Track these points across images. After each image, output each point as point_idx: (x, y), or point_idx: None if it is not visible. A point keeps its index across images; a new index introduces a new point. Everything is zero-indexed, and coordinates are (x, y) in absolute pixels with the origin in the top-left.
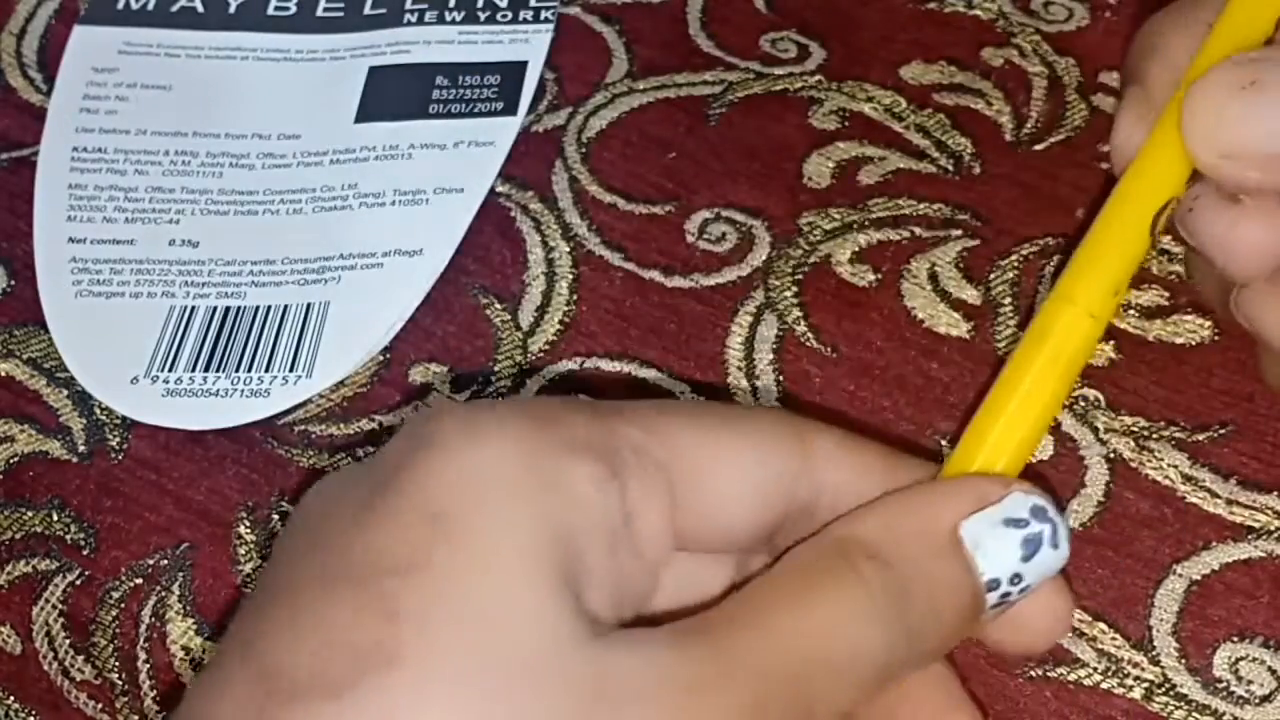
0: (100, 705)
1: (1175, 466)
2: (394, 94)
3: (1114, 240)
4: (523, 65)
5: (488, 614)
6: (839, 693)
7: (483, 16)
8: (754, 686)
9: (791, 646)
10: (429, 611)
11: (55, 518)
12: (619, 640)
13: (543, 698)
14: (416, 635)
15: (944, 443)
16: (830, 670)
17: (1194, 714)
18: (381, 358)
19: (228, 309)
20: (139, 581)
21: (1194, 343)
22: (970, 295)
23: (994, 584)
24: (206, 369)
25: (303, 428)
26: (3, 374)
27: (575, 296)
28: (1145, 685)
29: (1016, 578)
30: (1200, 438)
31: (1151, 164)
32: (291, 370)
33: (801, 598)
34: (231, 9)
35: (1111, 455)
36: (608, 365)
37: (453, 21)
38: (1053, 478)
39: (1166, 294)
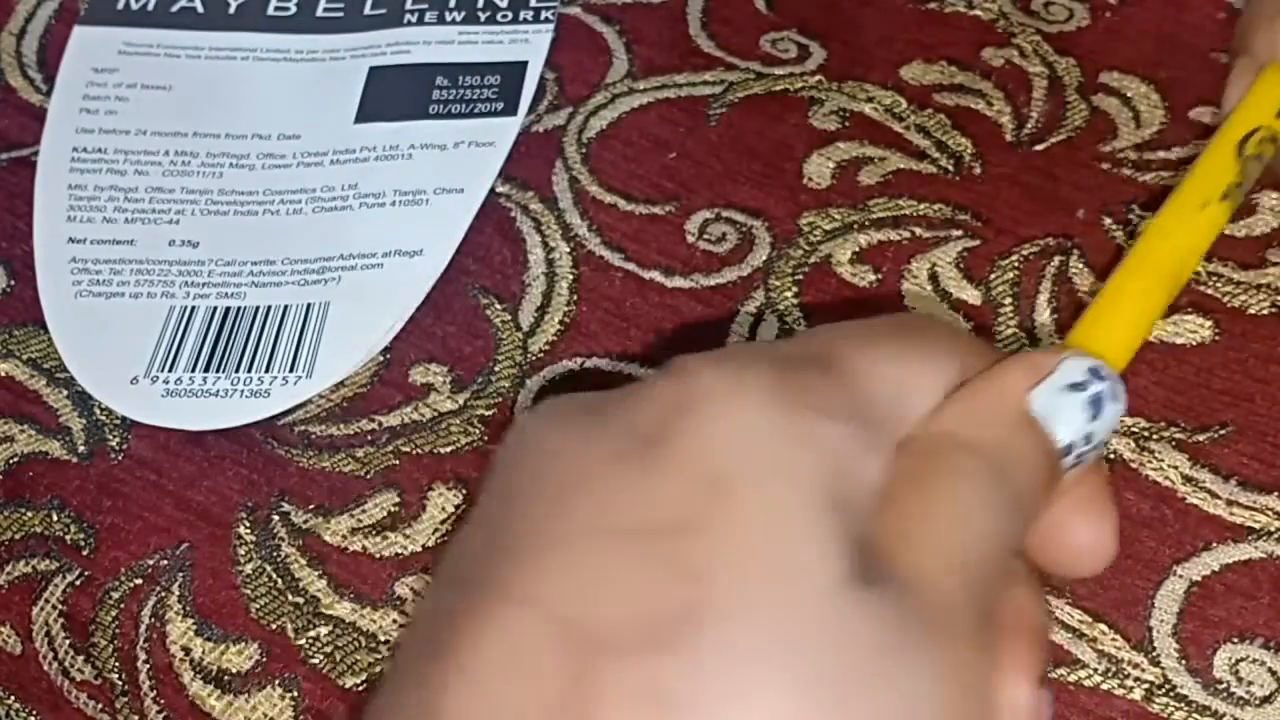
0: (100, 705)
1: (1175, 467)
2: (394, 94)
3: (1206, 162)
4: (523, 65)
5: (783, 575)
6: (991, 583)
7: (483, 17)
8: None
9: (942, 562)
10: (728, 573)
11: (55, 518)
12: (876, 592)
13: (841, 656)
14: (724, 596)
15: None
16: (974, 565)
17: (1194, 715)
18: (381, 358)
19: (228, 309)
20: (139, 582)
21: (1194, 343)
22: (971, 295)
23: (1068, 448)
24: (206, 369)
25: (303, 428)
26: (2, 374)
27: (575, 297)
28: (1145, 686)
29: (1088, 437)
30: (1200, 438)
31: (1243, 101)
32: (291, 370)
33: (928, 510)
34: (231, 9)
35: (1111, 456)
36: (608, 365)
37: (453, 22)
38: None
39: None
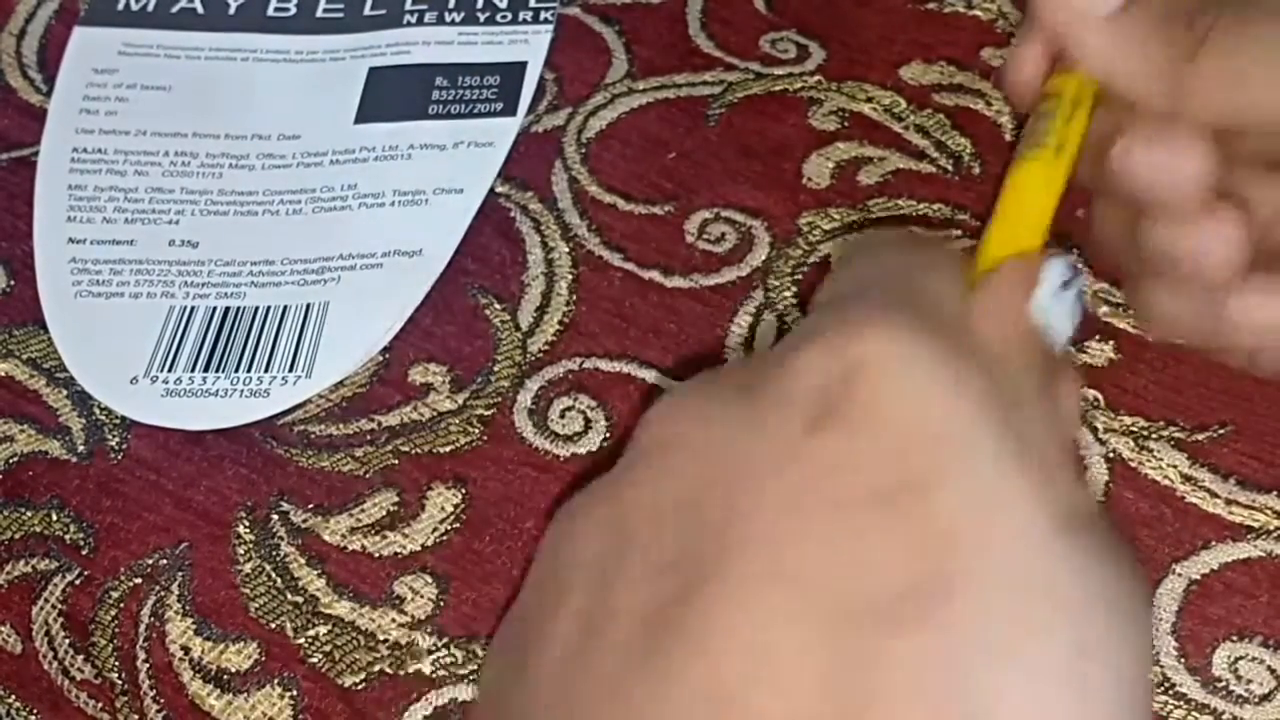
0: (100, 704)
1: (1174, 466)
2: (394, 95)
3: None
4: (522, 66)
5: (1013, 530)
6: None
7: (482, 17)
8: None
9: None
10: (969, 533)
11: (55, 517)
12: (1080, 536)
13: (1070, 611)
14: (971, 558)
15: None
16: None
17: (1193, 713)
18: (381, 358)
19: (227, 309)
20: (138, 581)
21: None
22: None
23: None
24: (206, 369)
25: (302, 428)
26: (2, 374)
27: (575, 297)
28: None
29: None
30: (1199, 437)
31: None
32: (291, 370)
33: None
34: (231, 10)
35: (1111, 455)
36: (607, 365)
37: (452, 22)
38: None
39: None
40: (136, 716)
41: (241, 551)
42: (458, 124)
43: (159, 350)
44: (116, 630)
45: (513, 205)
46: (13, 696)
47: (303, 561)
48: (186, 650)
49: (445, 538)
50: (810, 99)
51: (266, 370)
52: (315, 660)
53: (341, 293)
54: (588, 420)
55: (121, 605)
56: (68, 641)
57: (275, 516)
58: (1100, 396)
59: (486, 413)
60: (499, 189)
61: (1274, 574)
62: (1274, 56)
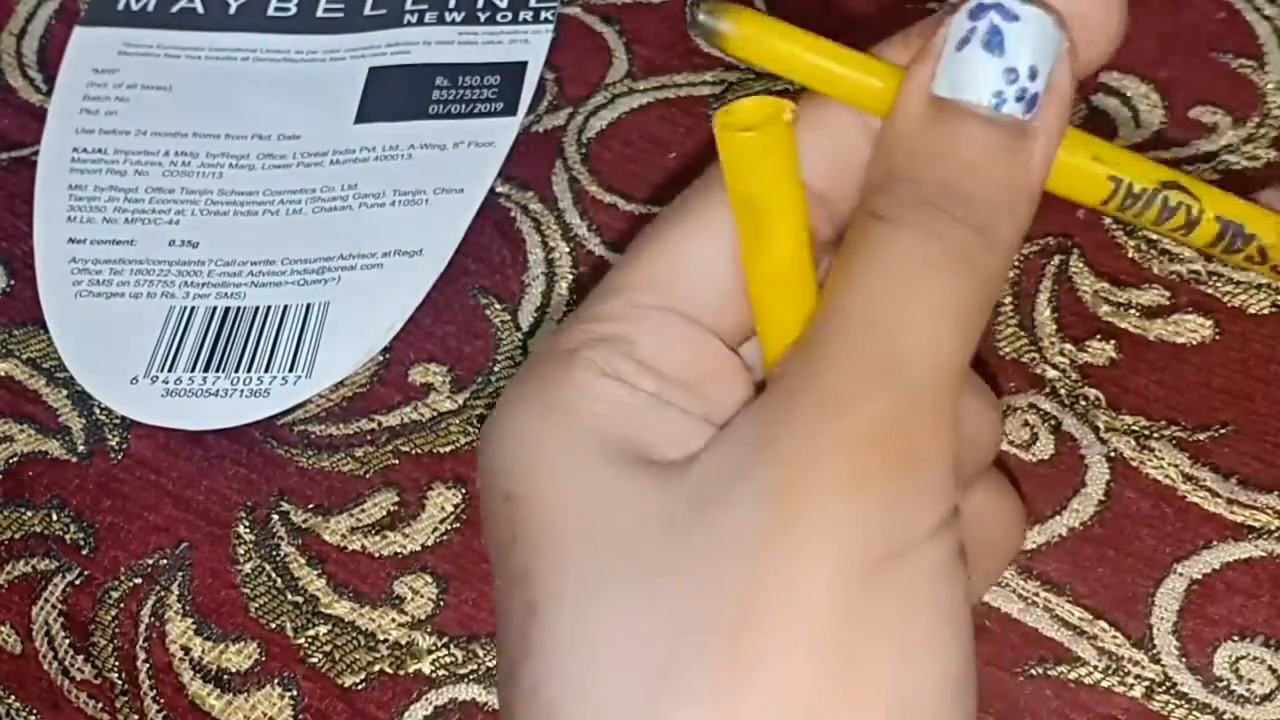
0: (100, 704)
1: (1176, 466)
2: (394, 94)
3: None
4: (523, 65)
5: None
6: (946, 360)
7: (483, 17)
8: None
9: (870, 349)
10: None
11: (55, 517)
12: (701, 455)
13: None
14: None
15: None
16: (923, 336)
17: (1194, 713)
18: (381, 358)
19: (227, 309)
20: (138, 581)
21: (1194, 342)
22: None
23: (998, 98)
24: (206, 369)
25: (302, 427)
26: (2, 374)
27: (575, 297)
28: (1146, 684)
29: (1012, 72)
30: (1201, 437)
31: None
32: (291, 370)
33: (880, 292)
34: (231, 10)
35: (1112, 454)
36: None
37: (453, 22)
38: (1053, 476)
39: (1167, 294)
40: (136, 717)
41: (241, 551)
42: (458, 124)
43: (159, 350)
44: (116, 630)
45: (513, 205)
46: (12, 697)
47: (303, 561)
48: (187, 650)
49: (445, 538)
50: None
51: (267, 370)
52: (315, 660)
53: (342, 293)
54: None
55: (121, 605)
56: (68, 641)
57: (275, 516)
58: (1101, 396)
59: (487, 413)
60: (499, 189)
61: (1275, 574)
62: None
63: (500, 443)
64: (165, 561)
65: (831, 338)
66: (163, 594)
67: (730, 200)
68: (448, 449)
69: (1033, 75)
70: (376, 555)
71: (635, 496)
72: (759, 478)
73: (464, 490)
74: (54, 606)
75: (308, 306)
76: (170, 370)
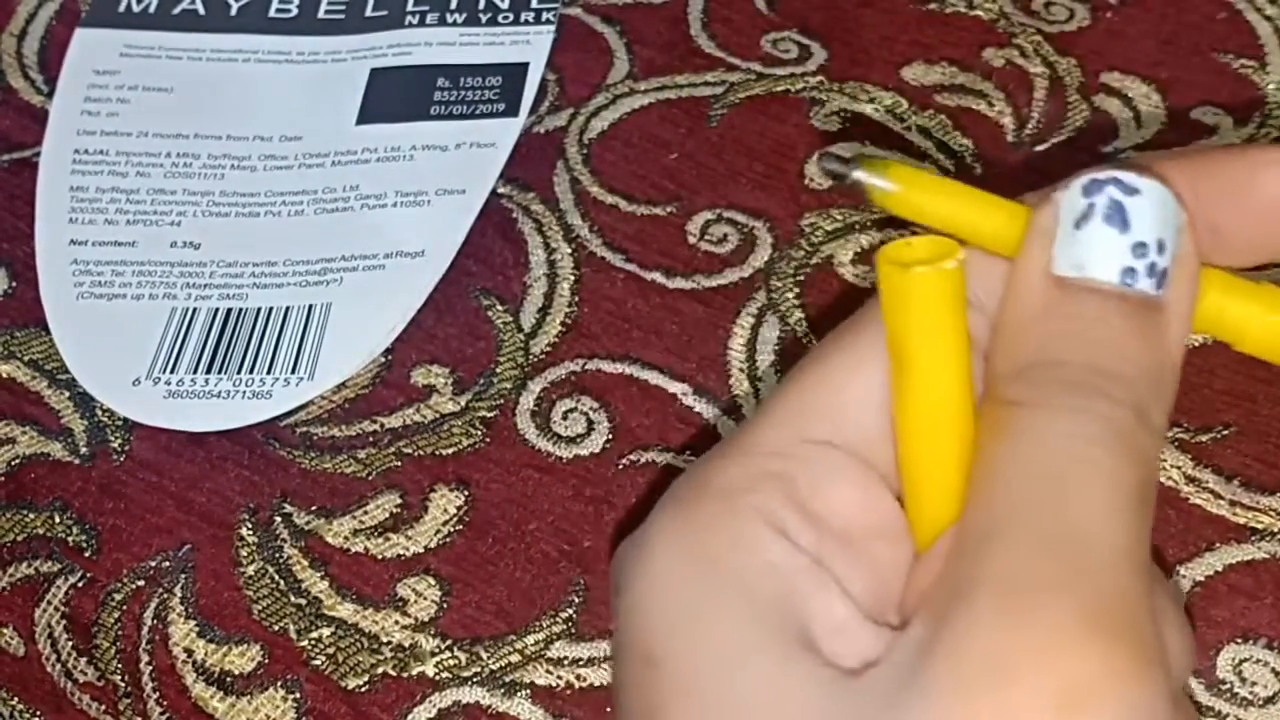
0: (103, 707)
1: (1178, 468)
2: (395, 96)
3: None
4: (524, 66)
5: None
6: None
7: (484, 18)
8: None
9: (1064, 548)
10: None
11: (57, 519)
12: (877, 668)
13: None
14: None
15: None
16: (1104, 514)
17: (1198, 716)
18: (383, 359)
19: (229, 310)
20: (141, 583)
21: (1196, 343)
22: None
23: (1129, 275)
24: (208, 370)
25: (304, 429)
26: (4, 376)
27: (577, 298)
28: None
29: (1141, 247)
30: (1203, 439)
31: None
32: (293, 372)
33: (1046, 475)
34: (233, 11)
35: None
36: (609, 367)
37: (454, 23)
38: None
39: None
40: (139, 719)
41: (244, 553)
42: (459, 125)
43: (161, 352)
44: (119, 632)
45: (515, 206)
46: (15, 699)
47: (306, 563)
48: (189, 652)
49: (448, 540)
50: (812, 99)
51: (269, 372)
52: (318, 662)
53: (344, 294)
54: (590, 422)
55: (124, 607)
56: (70, 644)
57: (278, 518)
58: None
59: (489, 414)
60: (501, 190)
61: (1278, 576)
62: None
63: (646, 592)
64: (168, 563)
65: (1000, 536)
66: (165, 596)
67: (887, 343)
68: (450, 451)
69: (1160, 249)
70: (379, 557)
71: (800, 693)
72: (943, 702)
73: (466, 492)
74: (57, 609)
75: (310, 308)
76: (172, 372)
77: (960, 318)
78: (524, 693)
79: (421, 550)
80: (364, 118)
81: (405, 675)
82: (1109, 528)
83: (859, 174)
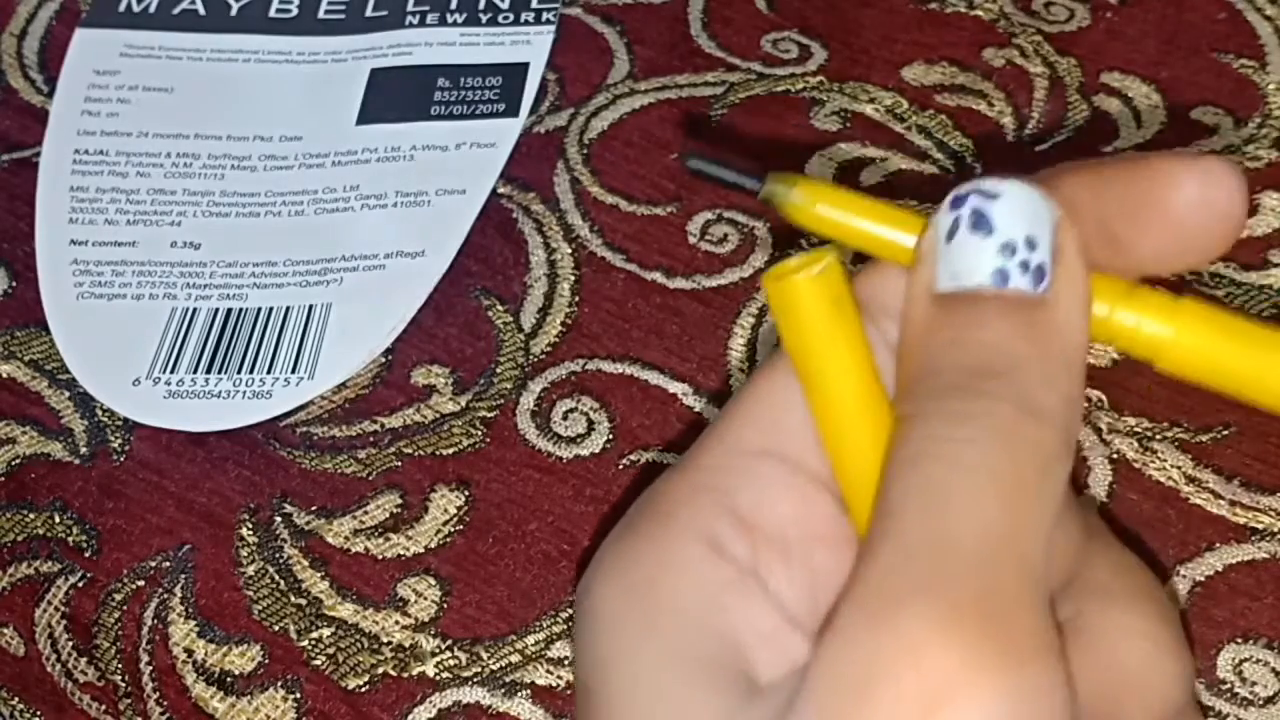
0: (103, 707)
1: (1179, 467)
2: (395, 96)
3: None
4: (524, 67)
5: None
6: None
7: (484, 18)
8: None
9: (925, 552)
10: None
11: (57, 519)
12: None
13: None
14: None
15: None
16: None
17: None
18: (383, 359)
19: (229, 310)
20: (141, 583)
21: None
22: None
23: (1000, 275)
24: (208, 370)
25: (304, 429)
26: (4, 376)
27: (577, 298)
28: None
29: (1008, 247)
30: (1204, 439)
31: None
32: (293, 372)
33: (920, 480)
34: (233, 11)
35: (1115, 456)
36: (610, 367)
37: (454, 23)
38: None
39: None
40: (140, 719)
41: (245, 553)
42: (460, 125)
43: (161, 352)
44: (119, 632)
45: (515, 206)
46: (16, 699)
47: (306, 564)
48: (190, 653)
49: (448, 540)
50: (812, 99)
51: (269, 371)
52: (319, 663)
53: (344, 294)
54: (590, 422)
55: (124, 607)
56: (71, 644)
57: (278, 518)
58: (1104, 397)
59: (489, 415)
60: (501, 190)
61: (1278, 576)
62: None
63: (584, 622)
64: (168, 564)
65: (874, 548)
66: (166, 596)
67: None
68: (450, 451)
69: (1031, 245)
70: (379, 557)
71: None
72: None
73: (466, 492)
74: (57, 609)
75: (310, 308)
76: (172, 372)
77: (845, 321)
78: (524, 693)
79: (422, 550)
80: (364, 118)
81: (405, 675)
82: (978, 524)
83: (771, 187)
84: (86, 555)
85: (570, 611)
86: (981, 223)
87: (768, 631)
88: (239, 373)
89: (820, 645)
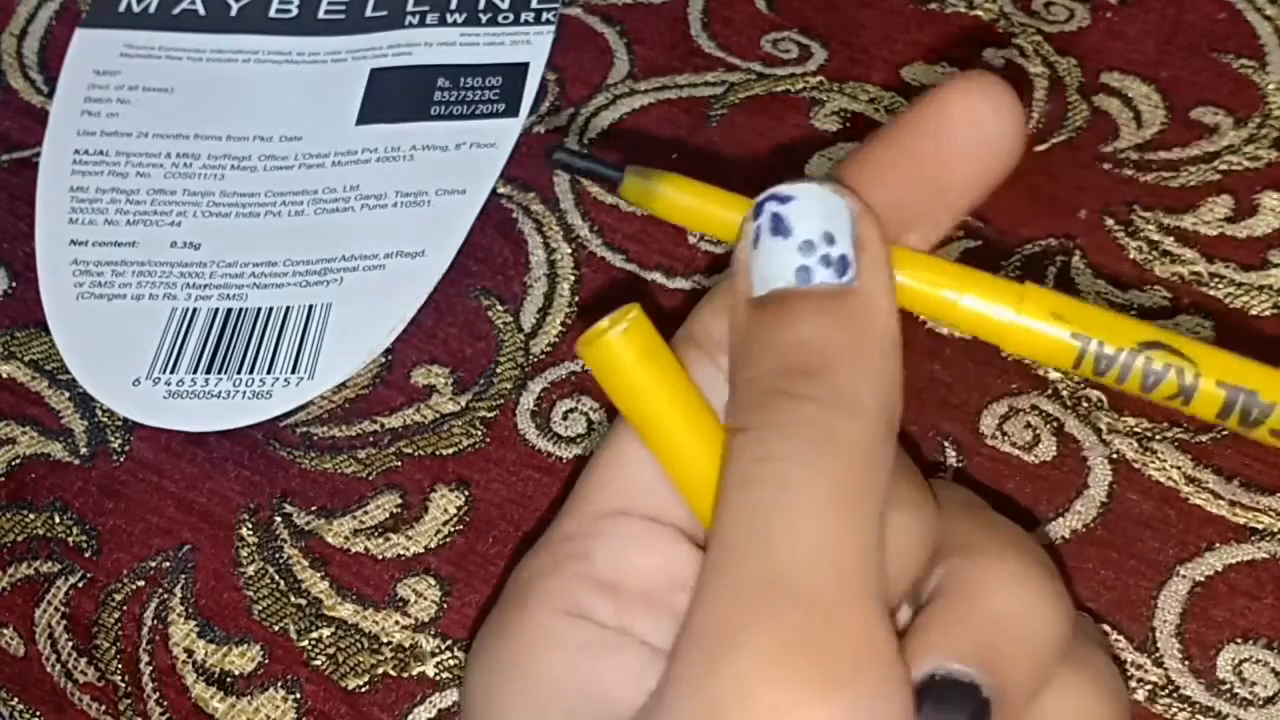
0: (103, 707)
1: (1178, 467)
2: (395, 96)
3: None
4: (524, 66)
5: None
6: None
7: (484, 18)
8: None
9: (754, 586)
10: None
11: (57, 520)
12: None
13: None
14: None
15: (946, 444)
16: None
17: (1197, 716)
18: (383, 359)
19: (229, 311)
20: (141, 583)
21: None
22: None
23: (803, 273)
24: (208, 371)
25: (304, 429)
26: (4, 376)
27: (577, 298)
28: (1149, 687)
29: (807, 245)
30: (1203, 439)
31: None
32: (293, 372)
33: (743, 507)
34: (233, 11)
35: (1115, 456)
36: None
37: (454, 23)
38: (1056, 478)
39: (1169, 295)
40: (139, 719)
41: (244, 554)
42: (460, 125)
43: (161, 352)
44: (119, 633)
45: (515, 206)
46: (15, 699)
47: (306, 564)
48: (190, 653)
49: (448, 540)
50: (812, 99)
51: (269, 372)
52: (319, 663)
53: (344, 294)
54: (590, 422)
55: (124, 608)
56: (70, 644)
57: (278, 518)
58: (1104, 397)
59: (489, 414)
60: (501, 190)
61: (1278, 576)
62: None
63: (465, 698)
64: (168, 564)
65: (708, 582)
66: (166, 596)
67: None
68: (450, 451)
69: (830, 240)
70: (379, 557)
71: None
72: None
73: (466, 492)
74: (57, 609)
75: (310, 308)
76: (172, 372)
77: (661, 365)
78: None
79: (422, 550)
80: (364, 118)
81: (405, 675)
82: (800, 549)
83: (632, 180)
84: (86, 555)
85: None
86: (780, 226)
87: (637, 670)
88: (239, 373)
89: (663, 685)
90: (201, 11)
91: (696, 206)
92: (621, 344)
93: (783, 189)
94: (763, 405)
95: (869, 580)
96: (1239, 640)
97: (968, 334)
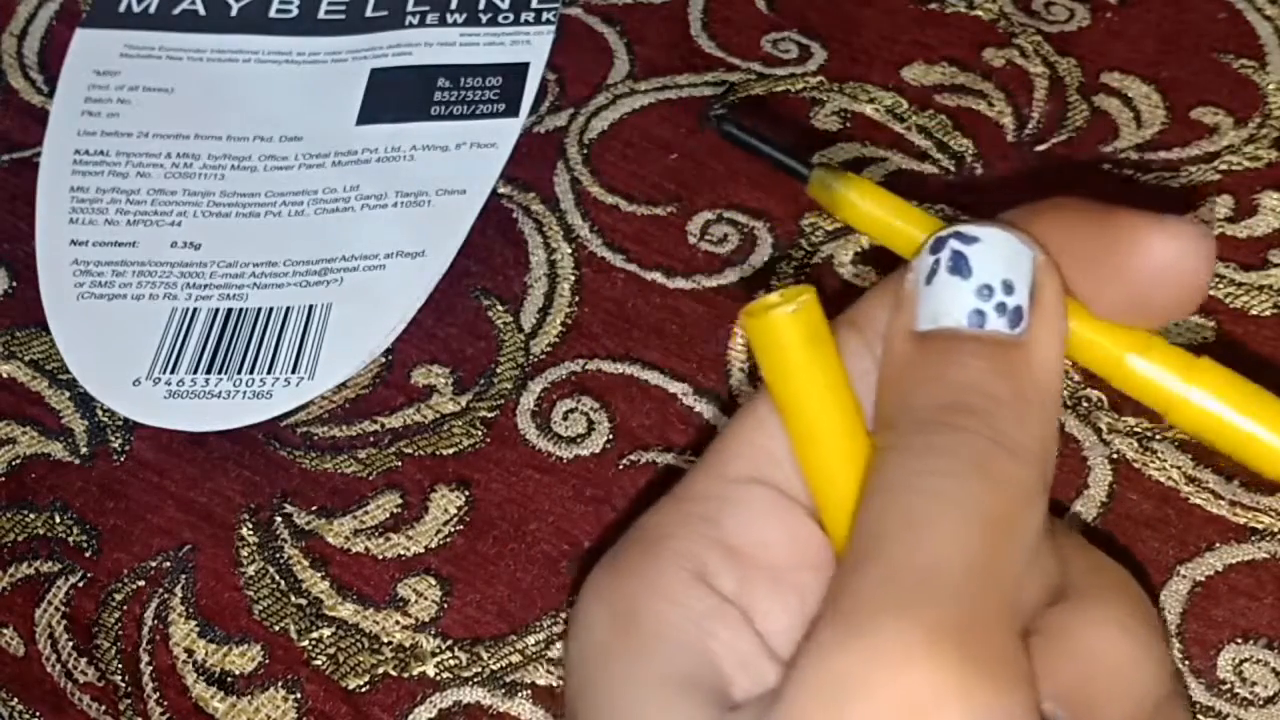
0: (103, 707)
1: (1179, 467)
2: (396, 96)
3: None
4: (524, 66)
5: None
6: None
7: (484, 18)
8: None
9: (908, 574)
10: None
11: (58, 520)
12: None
13: None
14: None
15: None
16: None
17: (1198, 716)
18: (383, 359)
19: (230, 311)
20: (141, 583)
21: (1196, 344)
22: None
23: (978, 317)
24: (209, 371)
25: (305, 429)
26: (5, 376)
27: (577, 298)
28: None
29: (986, 289)
30: None
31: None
32: (293, 372)
33: (898, 508)
34: (233, 12)
35: (1115, 456)
36: (610, 367)
37: (454, 23)
38: (1055, 478)
39: None
40: (140, 719)
41: (245, 554)
42: (460, 125)
43: (161, 352)
44: (120, 633)
45: (515, 206)
46: (15, 699)
47: (306, 564)
48: (190, 653)
49: (449, 540)
50: (812, 99)
51: (269, 372)
52: (319, 663)
53: (344, 294)
54: (590, 422)
55: (125, 608)
56: (71, 644)
57: (279, 518)
58: (1104, 397)
59: (489, 415)
60: (501, 190)
61: (1278, 576)
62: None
63: (572, 645)
64: (168, 564)
65: (856, 567)
66: (166, 596)
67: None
68: (450, 451)
69: (1009, 289)
70: (380, 557)
71: None
72: None
73: (467, 492)
74: (57, 609)
75: (310, 308)
76: (173, 372)
77: (822, 355)
78: (525, 693)
79: (422, 550)
80: (364, 118)
81: (406, 675)
82: (955, 551)
83: (822, 176)
84: (87, 555)
85: (570, 611)
86: (960, 266)
87: (746, 657)
88: (239, 373)
89: (799, 654)
90: (201, 11)
91: (883, 217)
92: (788, 323)
93: (969, 229)
94: (924, 428)
95: (1016, 607)
96: (1239, 640)
97: (1134, 396)
